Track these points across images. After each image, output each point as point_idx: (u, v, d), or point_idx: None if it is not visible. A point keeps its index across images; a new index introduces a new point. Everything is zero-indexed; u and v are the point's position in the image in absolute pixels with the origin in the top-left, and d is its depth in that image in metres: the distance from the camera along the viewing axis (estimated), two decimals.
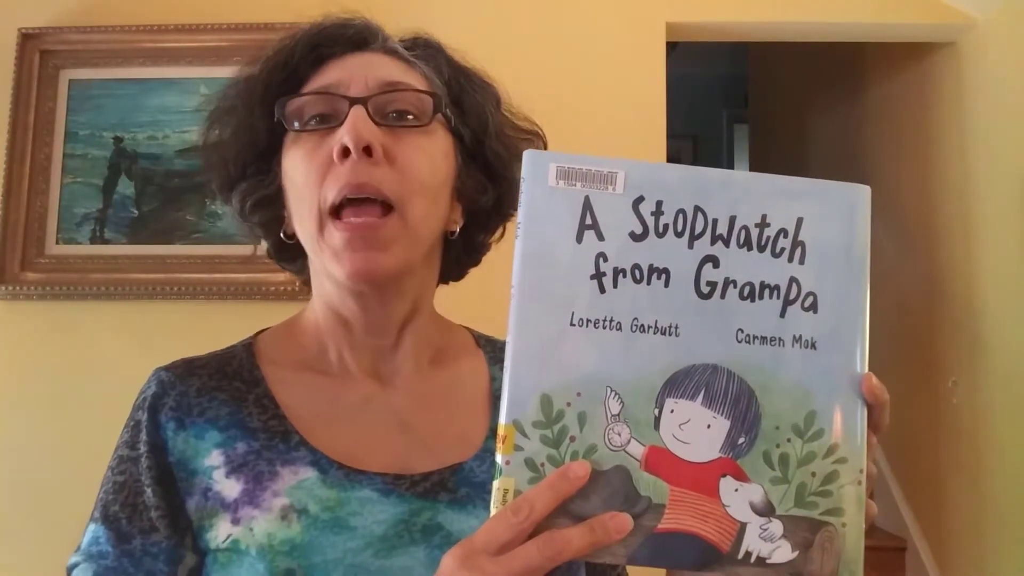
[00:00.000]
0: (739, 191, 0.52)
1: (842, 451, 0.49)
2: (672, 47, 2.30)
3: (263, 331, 0.76)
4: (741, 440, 0.50)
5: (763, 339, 0.50)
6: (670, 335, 0.50)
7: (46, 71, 2.13)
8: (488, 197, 0.74)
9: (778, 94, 4.38)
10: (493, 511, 0.49)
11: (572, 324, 0.50)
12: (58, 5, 2.16)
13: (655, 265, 0.51)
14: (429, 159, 0.68)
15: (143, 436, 0.66)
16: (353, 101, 0.66)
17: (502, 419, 0.50)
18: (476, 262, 0.80)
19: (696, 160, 5.22)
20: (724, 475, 0.49)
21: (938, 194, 2.64)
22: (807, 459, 0.49)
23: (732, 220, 0.51)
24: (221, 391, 0.68)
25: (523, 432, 0.50)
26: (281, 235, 0.72)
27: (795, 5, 2.26)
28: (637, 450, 0.49)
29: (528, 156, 0.52)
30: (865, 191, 0.51)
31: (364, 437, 0.68)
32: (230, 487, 0.64)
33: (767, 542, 0.49)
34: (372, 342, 0.71)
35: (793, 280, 0.50)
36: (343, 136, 0.64)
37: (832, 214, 0.51)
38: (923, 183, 2.74)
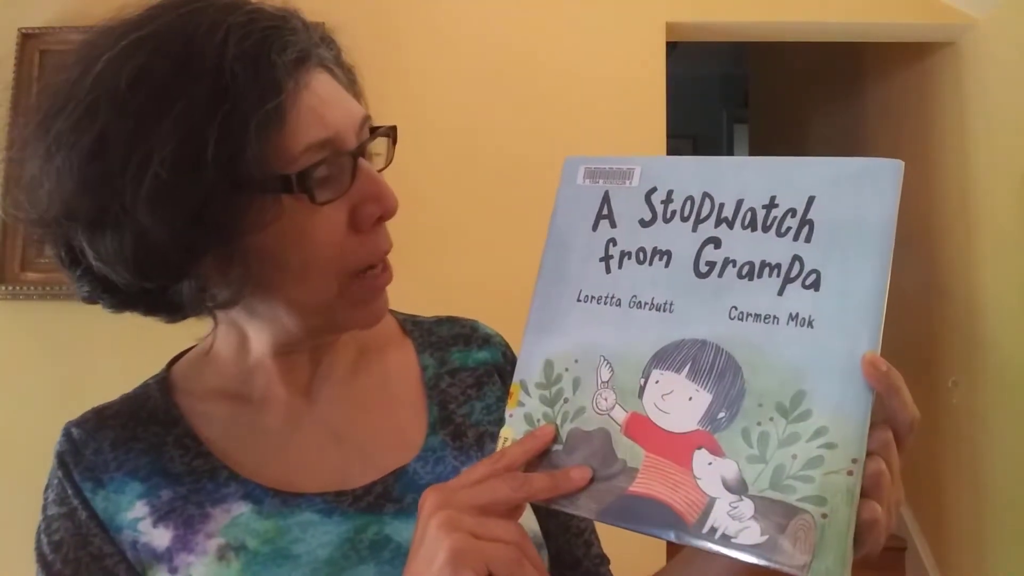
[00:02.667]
0: (751, 174, 0.52)
1: (832, 436, 0.46)
2: (672, 47, 2.30)
3: (176, 359, 0.71)
4: (721, 415, 0.49)
5: (756, 316, 0.50)
6: (664, 311, 0.53)
7: (46, 71, 2.13)
8: None
9: (778, 94, 4.38)
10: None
11: (579, 300, 0.55)
12: (58, 5, 2.16)
13: (659, 248, 0.54)
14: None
15: (70, 490, 0.62)
16: (355, 154, 0.58)
17: (514, 378, 0.57)
18: None
19: None
20: (699, 448, 0.49)
21: (938, 194, 2.64)
22: (789, 440, 0.47)
23: (739, 203, 0.52)
24: (137, 440, 0.64)
25: (527, 391, 0.56)
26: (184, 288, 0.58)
27: (795, 5, 2.26)
28: (620, 415, 0.52)
29: (566, 162, 0.59)
30: (892, 165, 0.48)
31: (297, 458, 0.65)
32: (159, 536, 0.61)
33: (735, 520, 0.47)
34: (309, 362, 0.67)
35: (796, 258, 0.49)
36: (384, 205, 0.59)
37: (849, 190, 0.49)
38: (923, 183, 2.74)
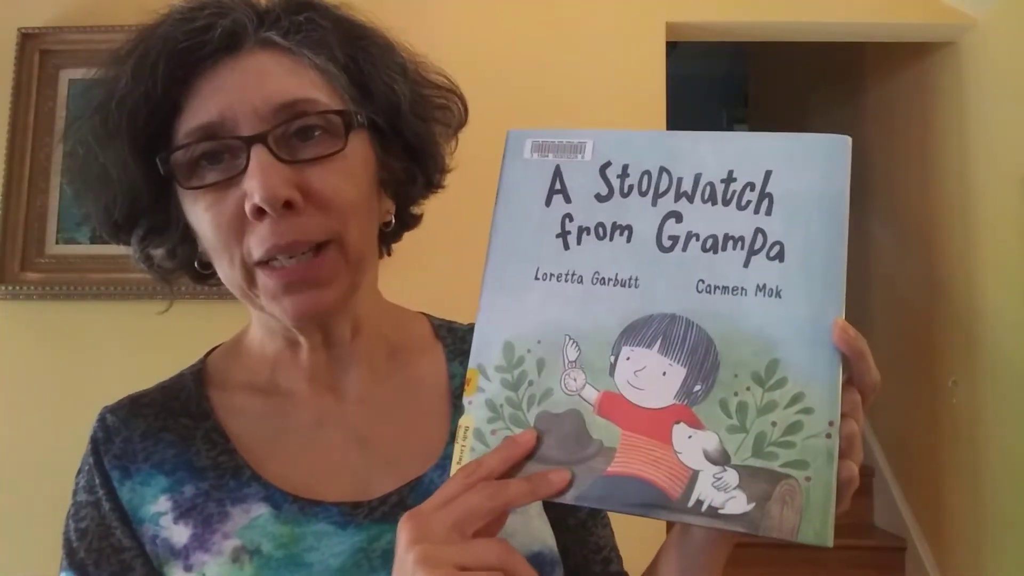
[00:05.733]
0: (706, 150, 0.52)
1: (808, 401, 0.47)
2: (672, 47, 2.30)
3: (214, 349, 0.72)
4: (697, 388, 0.49)
5: (724, 289, 0.50)
6: (629, 287, 0.52)
7: (46, 71, 2.13)
8: (418, 182, 0.68)
9: (778, 94, 4.38)
10: (455, 447, 0.53)
11: (536, 278, 0.54)
12: (58, 5, 2.16)
13: (618, 223, 0.53)
14: (351, 177, 0.60)
15: (98, 479, 0.63)
16: (249, 141, 0.56)
17: (470, 363, 0.54)
18: (413, 227, 0.73)
19: None
20: (678, 422, 0.49)
21: (938, 194, 2.64)
22: (767, 408, 0.47)
23: (697, 177, 0.52)
24: (168, 431, 0.65)
25: (486, 375, 0.54)
26: (196, 266, 0.65)
27: (795, 5, 2.26)
28: (591, 395, 0.51)
29: (510, 135, 0.56)
30: (841, 140, 0.50)
31: (320, 463, 0.65)
32: (178, 533, 0.61)
33: (720, 492, 0.47)
34: (322, 357, 0.67)
35: (759, 231, 0.50)
36: (254, 195, 0.55)
37: (804, 165, 0.50)
38: (923, 183, 2.74)
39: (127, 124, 0.59)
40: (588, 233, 0.53)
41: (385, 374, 0.70)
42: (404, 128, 0.64)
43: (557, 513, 0.69)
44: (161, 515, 0.62)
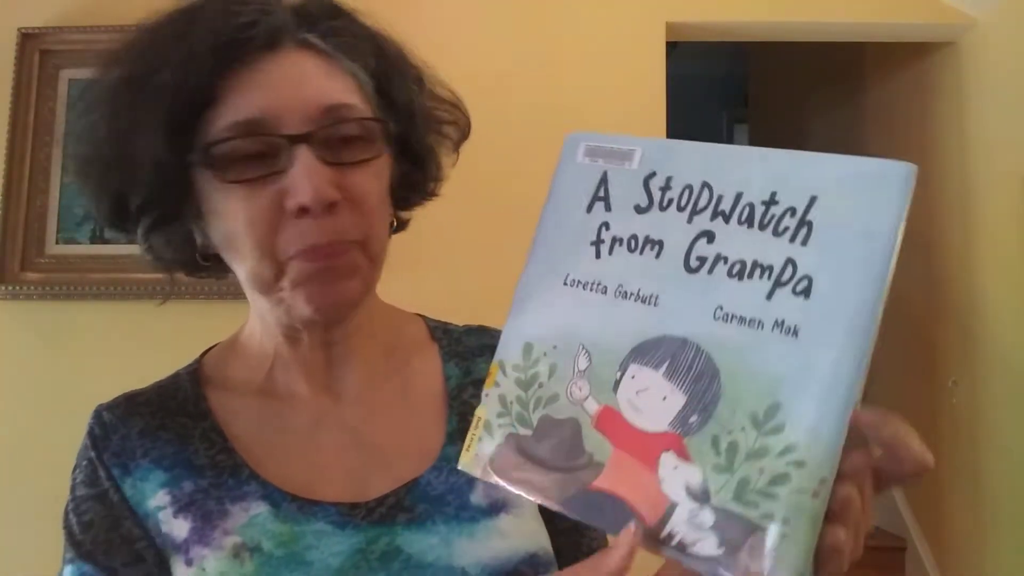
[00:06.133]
0: (753, 167, 0.49)
1: (801, 453, 0.43)
2: (672, 47, 2.30)
3: (210, 349, 0.73)
4: (693, 418, 0.47)
5: (741, 319, 0.47)
6: (649, 304, 0.50)
7: (46, 71, 2.14)
8: (418, 190, 0.70)
9: (778, 94, 4.38)
10: (468, 434, 0.54)
11: (565, 284, 0.53)
12: (58, 5, 2.16)
13: (651, 237, 0.51)
14: (379, 181, 0.63)
15: (102, 473, 0.63)
16: (294, 140, 0.58)
17: (495, 357, 0.55)
18: (400, 231, 0.74)
19: None
20: (667, 450, 0.47)
21: (938, 194, 2.64)
22: (758, 453, 0.44)
23: (738, 196, 0.48)
24: (165, 429, 0.65)
25: (504, 371, 0.54)
26: (197, 257, 0.65)
27: (795, 5, 2.26)
28: (592, 407, 0.50)
29: (567, 138, 0.56)
30: (902, 168, 0.44)
31: (318, 463, 0.65)
32: (178, 527, 0.61)
33: (693, 529, 0.45)
34: (321, 356, 0.68)
35: (790, 261, 0.46)
36: (301, 195, 0.57)
37: (852, 193, 0.45)
38: (923, 183, 2.71)
39: (165, 111, 0.58)
40: (621, 244, 0.52)
41: (382, 375, 0.70)
42: (414, 138, 0.67)
43: (549, 515, 0.69)
44: (160, 509, 0.62)
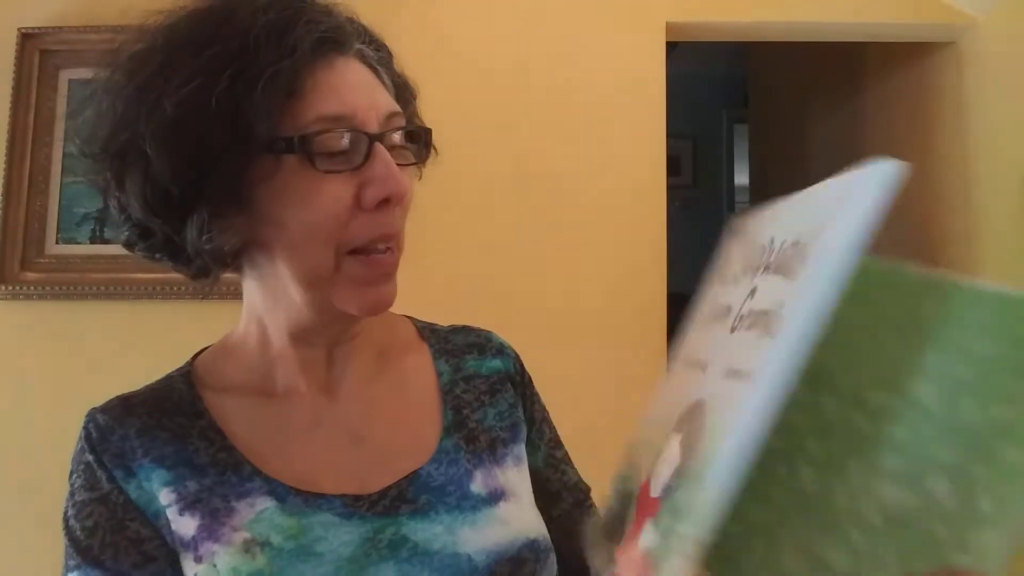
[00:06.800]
0: (794, 207, 0.44)
1: (686, 513, 0.38)
2: (672, 47, 2.30)
3: (200, 353, 0.73)
4: (673, 483, 0.42)
5: (735, 372, 0.41)
6: (701, 370, 0.47)
7: (46, 71, 2.13)
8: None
9: (778, 94, 4.38)
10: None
11: (676, 359, 0.54)
12: (58, 5, 2.16)
13: (726, 303, 0.48)
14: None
15: (101, 475, 0.63)
16: (375, 138, 0.62)
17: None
18: None
19: (696, 160, 5.22)
20: (650, 517, 0.44)
21: (938, 194, 2.64)
22: (679, 513, 0.39)
23: (782, 244, 0.42)
24: (163, 429, 0.65)
25: (634, 448, 0.54)
26: (227, 255, 0.65)
27: (795, 5, 2.26)
28: (641, 480, 0.49)
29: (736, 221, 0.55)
30: (874, 171, 0.36)
31: (318, 458, 0.67)
32: (185, 524, 0.62)
33: None
34: (324, 356, 0.69)
35: (778, 303, 0.39)
36: (391, 187, 0.61)
37: (833, 211, 0.38)
38: (923, 183, 2.74)
39: (262, 96, 0.58)
40: (710, 316, 0.51)
41: (376, 373, 0.72)
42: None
43: (541, 504, 0.72)
44: (167, 507, 0.62)
